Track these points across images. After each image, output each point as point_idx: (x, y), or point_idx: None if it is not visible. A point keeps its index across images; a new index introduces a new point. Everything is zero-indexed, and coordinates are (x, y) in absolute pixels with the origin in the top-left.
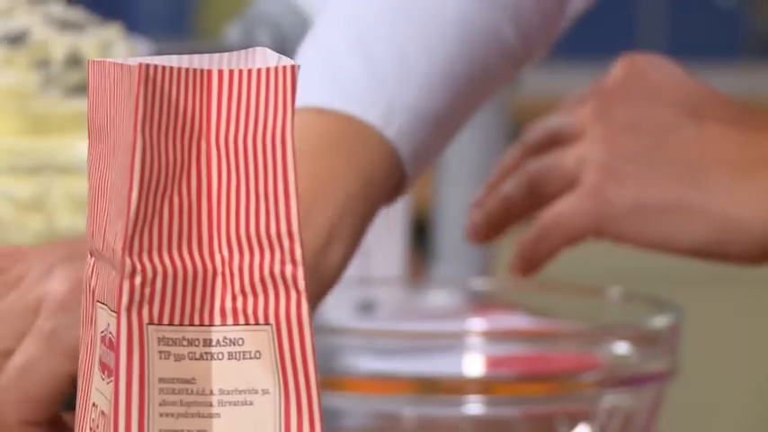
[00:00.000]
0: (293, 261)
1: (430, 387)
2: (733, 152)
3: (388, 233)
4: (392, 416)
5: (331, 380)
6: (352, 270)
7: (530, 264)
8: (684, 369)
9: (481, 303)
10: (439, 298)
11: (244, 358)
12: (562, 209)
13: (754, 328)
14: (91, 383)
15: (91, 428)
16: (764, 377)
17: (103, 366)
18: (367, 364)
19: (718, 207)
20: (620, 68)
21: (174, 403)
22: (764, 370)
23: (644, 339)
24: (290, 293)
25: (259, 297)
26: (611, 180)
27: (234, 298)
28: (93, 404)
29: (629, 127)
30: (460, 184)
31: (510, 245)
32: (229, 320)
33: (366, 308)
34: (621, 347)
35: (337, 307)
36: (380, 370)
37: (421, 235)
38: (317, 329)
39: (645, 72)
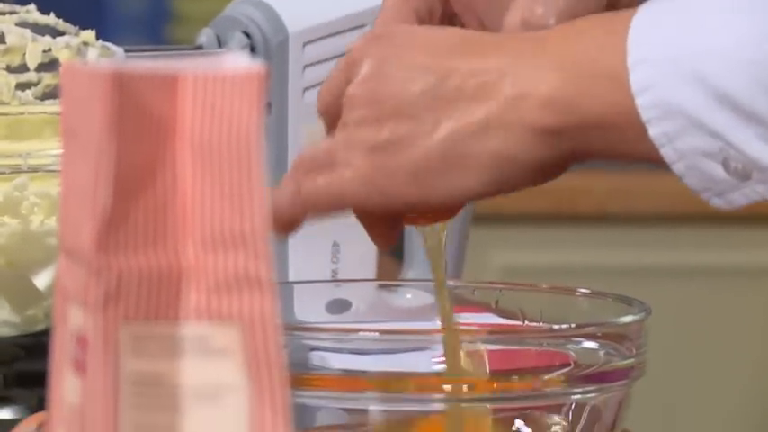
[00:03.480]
0: (259, 259)
1: (399, 384)
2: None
3: (359, 233)
4: (362, 413)
5: (302, 377)
6: (322, 270)
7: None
8: (652, 365)
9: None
10: (410, 298)
11: (213, 355)
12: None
13: (722, 323)
14: (62, 381)
15: (63, 426)
16: (732, 373)
17: (76, 364)
18: (338, 362)
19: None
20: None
21: (145, 398)
22: (732, 365)
23: (611, 336)
24: (257, 291)
25: (228, 294)
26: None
27: (203, 295)
28: (66, 402)
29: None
30: None
31: (481, 248)
32: (199, 317)
33: (338, 307)
34: (589, 344)
35: (309, 306)
36: (350, 368)
37: None
38: (290, 328)
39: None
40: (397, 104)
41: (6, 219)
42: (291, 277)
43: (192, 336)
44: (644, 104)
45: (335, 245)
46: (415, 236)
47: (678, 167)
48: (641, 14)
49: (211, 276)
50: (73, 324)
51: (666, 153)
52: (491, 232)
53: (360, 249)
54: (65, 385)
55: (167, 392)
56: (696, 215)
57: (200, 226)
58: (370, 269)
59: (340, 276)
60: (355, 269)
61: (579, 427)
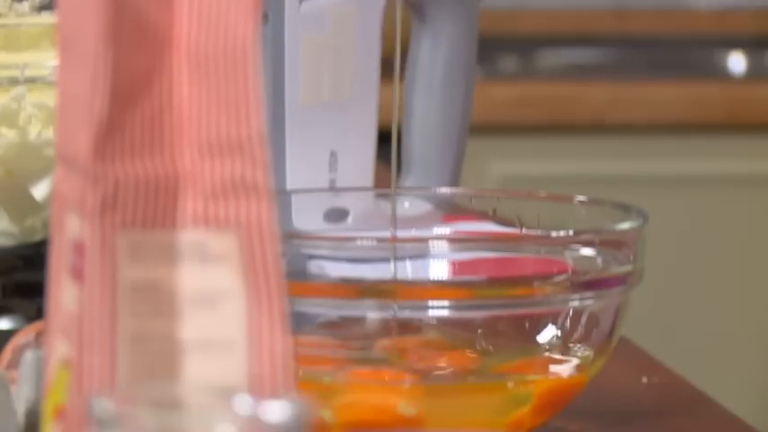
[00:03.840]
0: (256, 165)
1: (395, 292)
2: None
3: (357, 141)
4: (358, 320)
5: (300, 285)
6: (320, 180)
7: None
8: (649, 275)
9: (450, 212)
10: (408, 207)
11: (211, 261)
12: None
13: (719, 231)
14: (60, 289)
15: (61, 334)
16: (729, 280)
17: (74, 272)
18: (335, 270)
19: None
20: None
21: (143, 305)
22: (730, 273)
23: (609, 243)
24: (254, 197)
25: (225, 201)
26: None
27: (201, 202)
28: (64, 309)
29: None
30: (429, 92)
31: (480, 159)
32: (196, 224)
33: (336, 216)
34: (587, 251)
35: (307, 215)
36: (348, 276)
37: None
38: (288, 236)
39: None
40: None
41: (4, 130)
42: (289, 186)
43: (190, 242)
44: None
45: (333, 154)
46: (414, 141)
47: None
48: None
49: (208, 183)
50: (70, 232)
51: None
52: (489, 142)
53: (358, 158)
54: (62, 293)
55: (165, 299)
56: (693, 124)
57: (197, 133)
58: (367, 178)
59: (338, 186)
60: (353, 178)
61: (577, 334)
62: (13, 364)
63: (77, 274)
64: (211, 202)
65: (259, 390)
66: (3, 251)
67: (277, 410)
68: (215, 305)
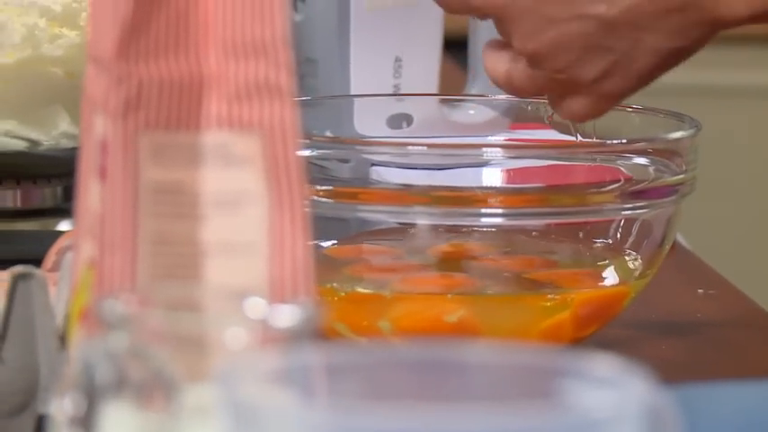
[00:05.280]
0: (280, 67)
1: (451, 199)
2: None
3: (422, 47)
4: (415, 227)
5: (358, 191)
6: (384, 85)
7: None
8: (703, 184)
9: (514, 120)
10: (473, 114)
11: (234, 162)
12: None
13: None
14: (88, 190)
15: (88, 234)
16: None
17: (101, 171)
18: (393, 176)
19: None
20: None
21: (165, 206)
22: None
23: (662, 152)
24: (278, 99)
25: (248, 102)
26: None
27: (225, 104)
28: (92, 210)
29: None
30: None
31: None
32: (220, 125)
33: (399, 121)
34: (640, 160)
35: (370, 120)
36: (405, 182)
37: (457, 51)
38: (351, 142)
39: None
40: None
41: (65, 30)
42: (353, 92)
43: (213, 144)
44: None
45: (398, 60)
46: (478, 49)
47: None
48: None
49: (232, 84)
50: (97, 132)
51: None
52: None
53: (422, 64)
54: (90, 194)
55: (187, 200)
56: (747, 36)
57: (222, 34)
58: (432, 85)
59: (402, 92)
60: (418, 85)
61: (629, 242)
62: (57, 266)
63: (103, 173)
64: (235, 104)
65: (279, 293)
66: (63, 153)
67: (286, 315)
68: (237, 208)
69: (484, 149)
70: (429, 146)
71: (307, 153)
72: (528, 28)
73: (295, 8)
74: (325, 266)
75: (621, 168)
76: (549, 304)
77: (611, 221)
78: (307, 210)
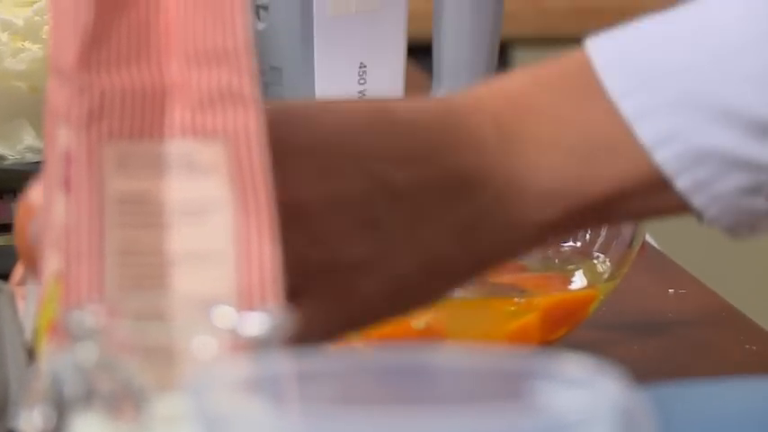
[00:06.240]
0: (243, 74)
1: None
2: None
3: (386, 52)
4: None
5: None
6: (349, 92)
7: None
8: None
9: None
10: None
11: (199, 171)
12: None
13: None
14: (53, 203)
15: (55, 247)
16: None
17: (65, 183)
18: None
19: None
20: None
21: (130, 216)
22: None
23: None
24: (241, 106)
25: (212, 110)
26: None
27: (188, 112)
28: (57, 222)
29: None
30: (461, 1)
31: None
32: (184, 134)
33: None
34: None
35: None
36: None
37: (421, 56)
38: None
39: None
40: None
41: (28, 44)
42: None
43: (177, 153)
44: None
45: (362, 66)
46: (442, 53)
47: (711, 212)
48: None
49: (195, 92)
50: (61, 144)
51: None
52: (543, 55)
53: (387, 70)
54: (55, 207)
55: (153, 210)
56: None
57: (184, 42)
58: (397, 91)
59: (367, 98)
60: (383, 91)
61: (597, 244)
62: (24, 280)
63: (67, 185)
64: (199, 112)
65: (248, 301)
66: (29, 167)
67: (255, 323)
68: (203, 216)
69: None
70: None
71: None
72: None
73: (258, 16)
74: None
75: None
76: (513, 308)
77: None
78: (274, 216)
